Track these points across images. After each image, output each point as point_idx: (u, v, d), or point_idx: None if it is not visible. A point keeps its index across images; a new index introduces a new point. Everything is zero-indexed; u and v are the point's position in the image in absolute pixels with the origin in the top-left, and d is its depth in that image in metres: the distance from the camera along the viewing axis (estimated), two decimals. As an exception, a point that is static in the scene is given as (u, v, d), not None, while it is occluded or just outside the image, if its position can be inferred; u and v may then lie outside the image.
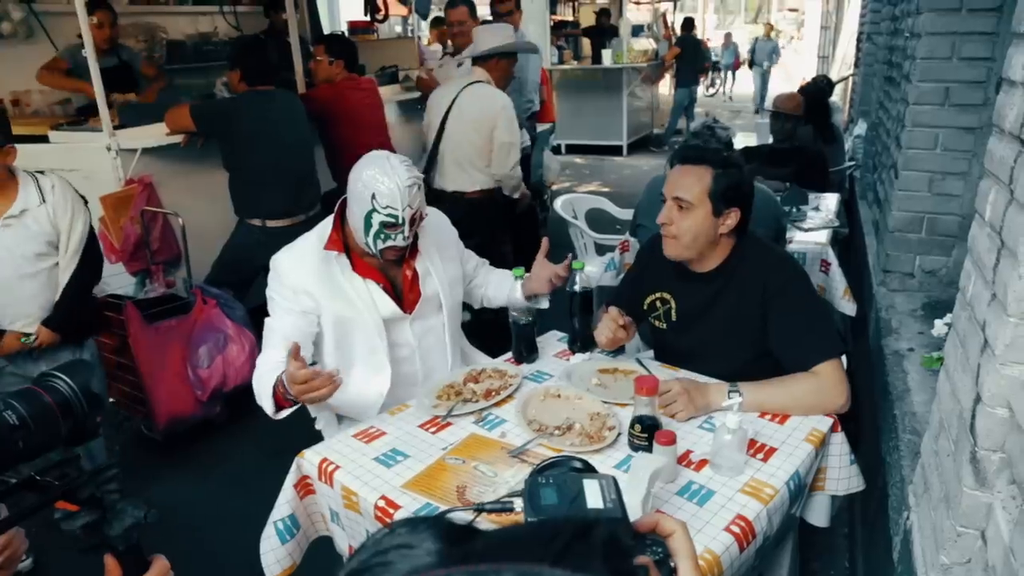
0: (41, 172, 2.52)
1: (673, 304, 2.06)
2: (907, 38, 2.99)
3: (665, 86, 11.40)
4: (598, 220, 4.32)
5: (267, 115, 3.29)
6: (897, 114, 2.95)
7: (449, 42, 4.55)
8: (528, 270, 2.23)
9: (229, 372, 3.22)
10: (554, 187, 5.00)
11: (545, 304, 2.24)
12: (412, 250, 2.10)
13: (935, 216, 2.69)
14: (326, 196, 3.72)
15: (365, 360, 2.08)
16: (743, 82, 17.66)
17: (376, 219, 1.89)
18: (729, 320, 1.97)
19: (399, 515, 1.50)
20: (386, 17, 5.25)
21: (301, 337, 1.98)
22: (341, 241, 2.02)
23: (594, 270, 3.55)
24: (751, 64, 12.76)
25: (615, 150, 9.78)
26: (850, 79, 6.97)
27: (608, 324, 1.98)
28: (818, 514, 1.84)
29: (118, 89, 3.53)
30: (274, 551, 1.75)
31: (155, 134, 3.38)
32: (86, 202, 2.61)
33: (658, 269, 2.07)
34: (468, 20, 4.17)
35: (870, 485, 1.89)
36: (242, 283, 3.50)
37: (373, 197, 1.87)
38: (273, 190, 3.35)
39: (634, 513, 0.79)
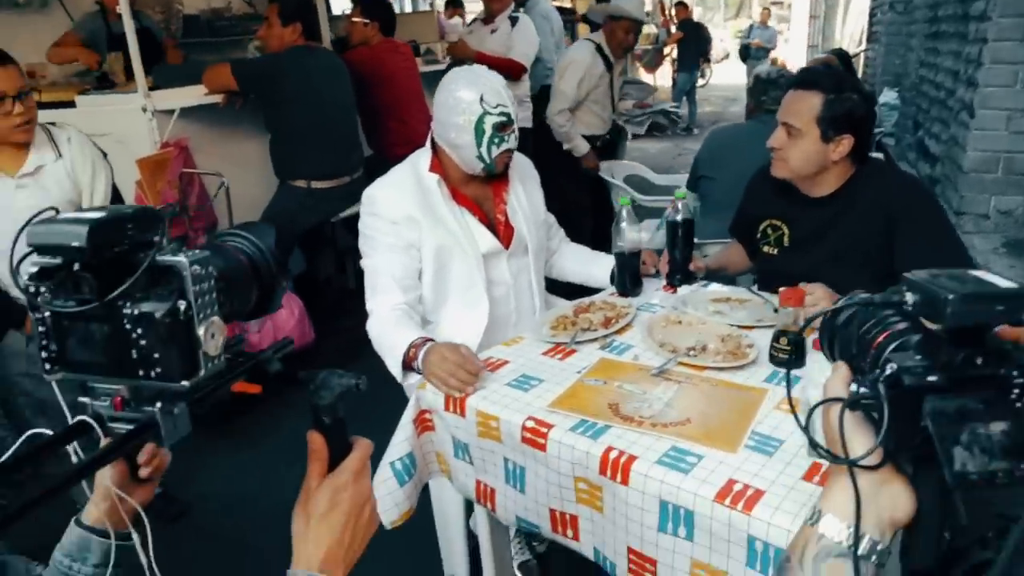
0: (52, 123, 2.23)
1: (785, 230, 1.99)
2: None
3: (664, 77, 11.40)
4: (636, 186, 4.26)
5: (311, 73, 3.17)
6: (965, 56, 2.91)
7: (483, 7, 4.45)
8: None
9: (279, 337, 3.10)
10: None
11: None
12: (504, 180, 2.03)
13: (1012, 155, 2.65)
14: (366, 161, 3.61)
15: (461, 295, 2.00)
16: (731, 74, 17.68)
17: (489, 122, 1.84)
18: (845, 246, 1.90)
19: (553, 434, 1.40)
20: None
21: (408, 275, 1.92)
22: (441, 167, 1.94)
23: (642, 235, 3.48)
24: (745, 57, 12.70)
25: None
26: (861, 55, 7.00)
27: None
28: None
29: (143, 56, 3.37)
30: (392, 494, 1.64)
31: (193, 94, 3.25)
32: (104, 155, 2.35)
33: (769, 196, 2.01)
34: (506, -14, 4.10)
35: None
36: (285, 248, 3.38)
37: (482, 99, 1.84)
38: (319, 150, 3.24)
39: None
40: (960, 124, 2.87)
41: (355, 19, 3.72)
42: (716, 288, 2.05)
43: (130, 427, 0.66)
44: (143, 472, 0.86)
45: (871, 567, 0.62)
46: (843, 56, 5.01)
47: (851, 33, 8.89)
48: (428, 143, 2.00)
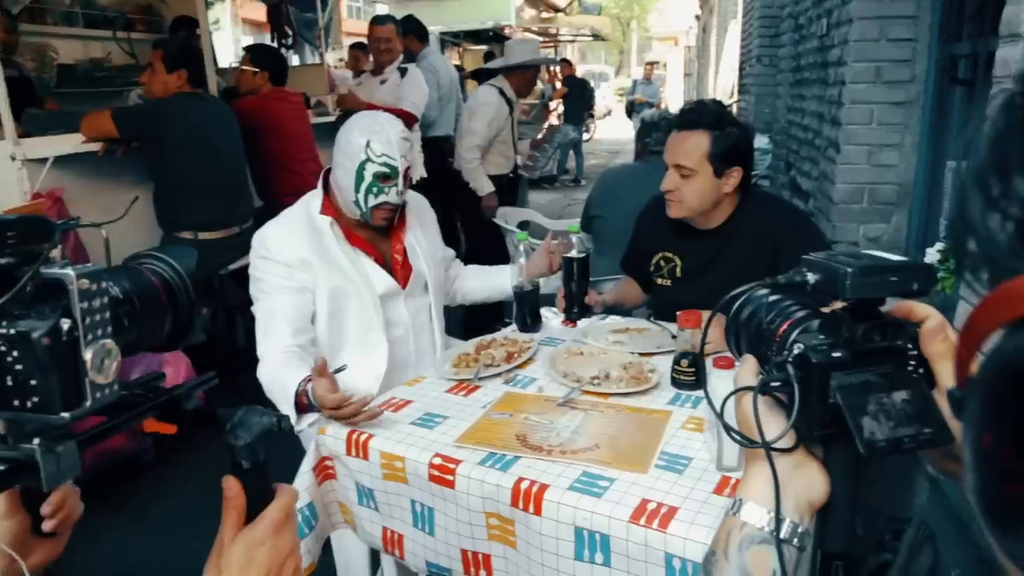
0: None
1: (678, 262, 2.06)
2: (826, 33, 3.22)
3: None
4: (530, 232, 4.32)
5: (199, 120, 3.06)
6: (828, 98, 3.15)
7: (371, 58, 4.47)
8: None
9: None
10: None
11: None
12: (400, 221, 2.01)
13: (875, 186, 2.87)
14: (256, 212, 3.50)
15: (359, 339, 1.94)
16: (613, 129, 18.48)
17: (370, 170, 1.81)
18: (734, 273, 1.96)
19: (462, 470, 1.36)
20: (295, 43, 5.10)
21: (301, 317, 1.85)
22: (333, 208, 1.90)
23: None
24: (630, 112, 13.26)
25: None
26: (734, 106, 7.48)
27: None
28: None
29: (22, 105, 3.17)
30: (291, 548, 1.55)
31: (69, 142, 3.06)
32: None
33: (660, 230, 2.07)
34: (394, 38, 4.14)
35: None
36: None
37: (368, 145, 1.80)
38: (206, 200, 3.10)
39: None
40: (828, 160, 3.09)
41: (244, 67, 3.65)
42: (615, 320, 2.08)
43: (2, 468, 0.57)
44: (47, 525, 0.75)
45: (793, 550, 0.62)
46: (720, 105, 5.34)
47: (723, 87, 9.53)
48: (320, 184, 1.96)
